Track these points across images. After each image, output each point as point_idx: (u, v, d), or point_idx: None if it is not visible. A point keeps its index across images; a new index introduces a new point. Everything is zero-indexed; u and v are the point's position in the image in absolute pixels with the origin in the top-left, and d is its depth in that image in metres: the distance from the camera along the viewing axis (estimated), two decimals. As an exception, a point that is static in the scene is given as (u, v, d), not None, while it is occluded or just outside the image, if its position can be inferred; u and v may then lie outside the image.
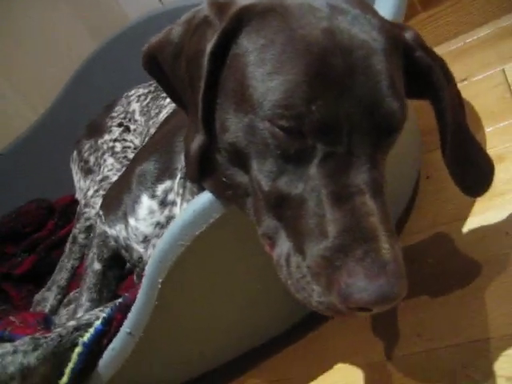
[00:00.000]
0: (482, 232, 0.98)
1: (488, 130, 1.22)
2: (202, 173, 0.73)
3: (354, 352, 0.92)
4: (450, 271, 0.94)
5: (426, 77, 0.70)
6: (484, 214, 1.01)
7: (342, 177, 0.58)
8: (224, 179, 0.70)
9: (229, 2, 0.66)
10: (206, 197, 0.73)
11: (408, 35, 0.69)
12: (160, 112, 1.39)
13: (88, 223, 1.38)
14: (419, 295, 0.92)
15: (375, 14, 0.66)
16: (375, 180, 0.59)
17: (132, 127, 1.54)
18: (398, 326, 0.91)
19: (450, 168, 0.76)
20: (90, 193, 1.41)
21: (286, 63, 0.59)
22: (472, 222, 1.01)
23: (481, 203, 1.04)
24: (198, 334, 0.94)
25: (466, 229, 1.01)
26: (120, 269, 1.18)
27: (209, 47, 0.64)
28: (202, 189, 0.78)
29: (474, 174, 0.78)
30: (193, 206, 0.74)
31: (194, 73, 0.67)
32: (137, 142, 1.50)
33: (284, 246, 0.62)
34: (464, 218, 1.03)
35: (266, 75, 0.60)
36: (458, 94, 0.78)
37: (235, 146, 0.65)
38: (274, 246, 0.65)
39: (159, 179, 0.98)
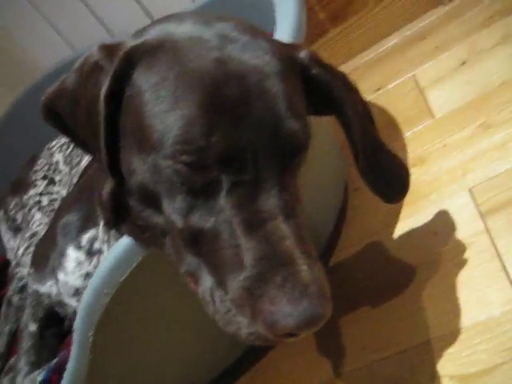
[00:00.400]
0: (412, 235, 1.00)
1: (407, 134, 1.25)
2: (118, 217, 0.71)
3: (304, 375, 0.91)
4: (386, 280, 0.95)
5: (327, 93, 0.70)
6: (411, 217, 1.03)
7: (252, 204, 0.57)
8: (140, 222, 0.68)
9: (117, 43, 0.65)
10: (124, 242, 0.71)
11: (302, 54, 0.69)
12: (81, 160, 1.35)
13: (21, 283, 1.32)
14: (359, 308, 0.93)
15: (266, 38, 0.66)
16: (286, 203, 0.59)
17: (57, 178, 1.50)
18: (342, 341, 0.90)
19: (365, 178, 0.76)
20: (21, 251, 1.36)
21: (180, 98, 0.58)
22: (401, 228, 1.03)
23: (408, 207, 1.06)
24: (141, 374, 0.90)
25: (396, 235, 1.03)
26: (58, 326, 1.12)
27: (102, 92, 0.62)
28: (123, 234, 0.76)
29: (390, 182, 0.79)
30: (112, 253, 0.72)
31: (92, 119, 0.65)
32: (63, 192, 1.45)
33: (207, 281, 0.61)
34: (393, 225, 1.05)
35: (162, 113, 0.59)
36: (363, 104, 0.79)
37: (144, 188, 0.63)
38: (197, 282, 0.63)
39: (83, 229, 0.95)
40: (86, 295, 0.74)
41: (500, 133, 1.04)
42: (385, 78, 1.51)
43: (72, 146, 1.48)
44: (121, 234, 0.77)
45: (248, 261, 0.56)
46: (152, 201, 0.64)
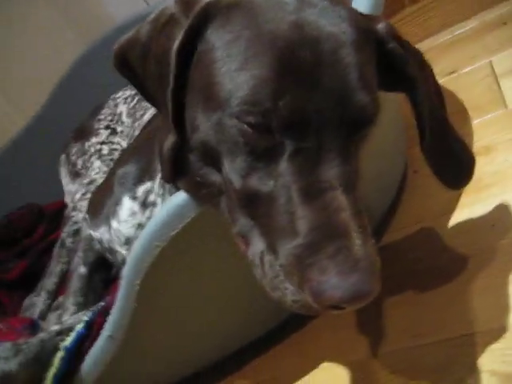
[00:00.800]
0: (468, 225, 0.97)
1: (475, 122, 1.21)
2: (176, 173, 0.72)
3: (340, 350, 0.91)
4: (437, 266, 0.93)
5: (401, 69, 0.68)
6: (470, 207, 1.00)
7: (312, 172, 0.57)
8: (198, 179, 0.68)
9: (195, -1, 0.65)
10: (180, 197, 0.72)
11: (380, 27, 0.67)
12: (145, 113, 1.38)
13: (76, 227, 1.37)
14: (405, 291, 0.91)
15: (345, 6, 0.65)
16: (347, 175, 0.58)
17: (119, 129, 1.53)
18: (383, 322, 0.90)
19: (428, 160, 0.75)
20: (78, 196, 1.40)
21: (252, 59, 0.57)
22: (458, 216, 1.00)
23: (467, 196, 1.03)
24: (181, 336, 0.92)
25: (452, 223, 1.00)
26: (106, 272, 1.16)
27: (175, 45, 0.62)
28: (179, 189, 0.77)
29: (454, 167, 0.77)
30: (167, 206, 0.73)
31: (162, 72, 0.66)
32: (124, 144, 1.48)
33: (258, 244, 0.61)
34: (450, 212, 1.02)
35: (232, 71, 0.58)
36: (436, 85, 0.77)
37: (206, 145, 0.63)
38: (248, 244, 0.63)
39: (140, 181, 0.97)
40: (137, 244, 0.75)
41: None
42: (459, 61, 1.45)
43: (136, 98, 1.51)
44: (177, 189, 0.78)
45: (302, 229, 0.55)
46: (212, 159, 0.64)
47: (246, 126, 0.57)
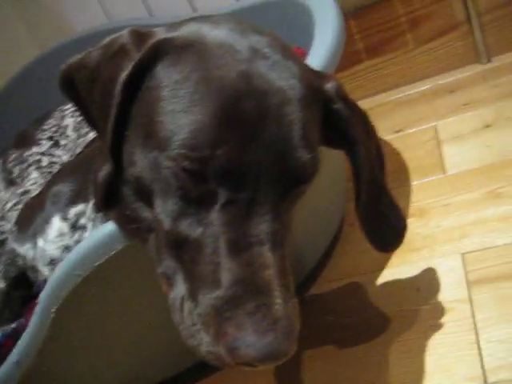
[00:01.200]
0: (395, 286, 0.98)
1: (414, 183, 1.24)
2: (108, 202, 0.70)
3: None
4: (358, 323, 0.94)
5: (344, 129, 0.69)
6: (399, 267, 1.02)
7: (242, 225, 0.56)
8: (128, 212, 0.67)
9: (149, 32, 0.64)
10: (108, 227, 0.70)
11: (330, 86, 0.68)
12: (90, 132, 1.35)
13: (2, 237, 1.31)
14: (325, 345, 0.91)
15: (298, 61, 0.65)
16: (277, 231, 0.58)
17: (62, 142, 1.48)
18: (300, 375, 0.89)
19: (361, 221, 0.76)
20: (9, 206, 1.35)
21: (197, 102, 0.57)
22: (386, 275, 1.02)
23: (397, 256, 1.04)
24: (91, 366, 0.89)
25: (380, 281, 1.01)
26: (27, 289, 1.11)
27: (123, 76, 0.61)
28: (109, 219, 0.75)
29: (385, 230, 0.78)
30: (94, 235, 0.71)
31: (106, 101, 0.64)
32: (65, 158, 1.44)
33: (180, 288, 0.60)
34: (379, 270, 1.03)
35: (176, 113, 0.58)
36: (378, 148, 0.78)
37: (140, 181, 0.62)
38: (171, 287, 0.62)
39: (73, 202, 0.94)
40: (58, 271, 0.73)
41: (508, 205, 1.03)
42: (407, 121, 1.50)
43: (85, 114, 1.47)
44: (107, 219, 0.76)
45: (224, 281, 0.55)
46: (145, 195, 0.63)
47: (181, 170, 0.57)
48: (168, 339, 0.86)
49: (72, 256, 0.71)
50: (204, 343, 0.55)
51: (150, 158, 0.60)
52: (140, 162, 0.61)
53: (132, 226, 0.68)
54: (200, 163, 0.55)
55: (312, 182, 0.62)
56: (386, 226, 0.78)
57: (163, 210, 0.60)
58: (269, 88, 0.59)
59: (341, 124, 0.69)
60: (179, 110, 0.57)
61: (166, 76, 0.60)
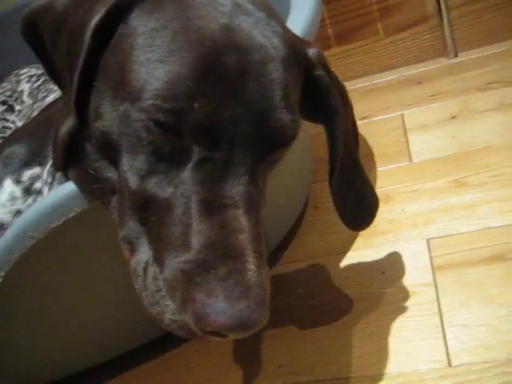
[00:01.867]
0: (359, 268, 0.97)
1: (380, 169, 1.23)
2: (68, 161, 0.65)
3: (212, 378, 0.86)
4: (321, 304, 0.92)
5: (324, 98, 0.67)
6: (363, 250, 1.01)
7: (216, 185, 0.53)
8: (91, 171, 0.62)
9: (126, -24, 0.60)
10: (67, 188, 0.65)
11: (312, 52, 0.65)
12: (47, 96, 1.28)
13: None
14: (286, 325, 0.89)
15: (280, 22, 0.62)
16: (252, 195, 0.54)
17: (17, 108, 1.41)
18: (260, 354, 0.86)
19: (334, 197, 0.73)
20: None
21: (174, 53, 0.53)
22: (350, 258, 1.00)
23: (362, 240, 1.03)
24: (43, 335, 0.83)
25: (343, 263, 1.00)
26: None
27: (94, 21, 0.56)
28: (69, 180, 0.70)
29: (358, 207, 0.76)
30: (51, 196, 0.66)
31: (74, 49, 0.59)
32: (19, 124, 1.37)
33: (144, 253, 0.56)
34: (343, 253, 1.02)
35: (151, 62, 0.53)
36: (353, 123, 0.76)
37: (106, 136, 0.57)
38: (133, 252, 0.58)
39: (27, 164, 0.88)
40: (10, 232, 0.67)
41: (472, 194, 1.03)
42: (374, 109, 1.50)
43: (42, 79, 1.40)
44: (67, 180, 0.71)
45: (195, 244, 0.51)
46: (111, 153, 0.58)
47: (153, 123, 0.52)
48: (127, 310, 0.83)
49: (26, 216, 0.66)
50: (169, 311, 0.52)
51: (120, 111, 0.55)
52: (108, 114, 0.57)
53: (94, 187, 0.63)
54: (175, 116, 0.51)
55: (290, 146, 0.59)
56: (358, 203, 0.76)
57: (130, 167, 0.56)
58: (251, 44, 0.55)
59: (321, 92, 0.66)
60: (154, 60, 0.53)
61: (142, 23, 0.56)
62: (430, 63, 1.66)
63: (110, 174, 0.60)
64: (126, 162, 0.56)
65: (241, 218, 0.52)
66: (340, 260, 1.00)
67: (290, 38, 0.61)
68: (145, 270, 0.55)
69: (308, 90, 0.65)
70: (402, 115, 1.43)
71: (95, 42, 0.57)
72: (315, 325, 0.88)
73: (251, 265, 0.50)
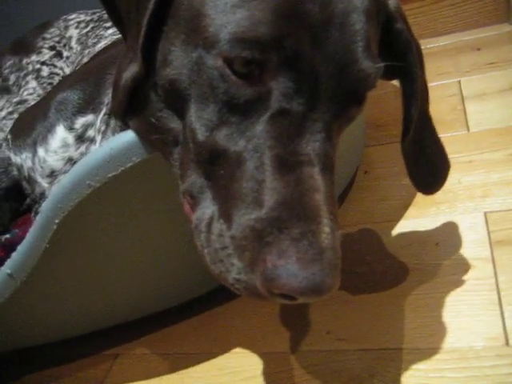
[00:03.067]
0: (412, 238, 0.94)
1: (436, 136, 1.18)
2: (129, 109, 0.63)
3: (257, 338, 0.85)
4: (372, 272, 0.89)
5: (402, 53, 0.63)
6: (416, 219, 0.98)
7: (293, 141, 0.50)
8: (153, 120, 0.59)
9: None
10: (128, 136, 0.63)
11: (392, 3, 0.61)
12: (98, 42, 1.25)
13: (-6, 146, 1.23)
14: (336, 291, 0.87)
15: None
16: (328, 153, 0.51)
17: (65, 54, 1.39)
18: (308, 318, 0.85)
19: (406, 158, 0.70)
20: (3, 114, 1.26)
21: None
22: (403, 226, 0.97)
23: (414, 209, 1.00)
24: (92, 288, 0.83)
25: (395, 232, 0.97)
26: (18, 202, 1.04)
27: None
28: (125, 129, 0.67)
29: (430, 169, 0.73)
30: (111, 143, 0.63)
31: None
32: (67, 70, 1.35)
33: (207, 208, 0.54)
34: (395, 220, 0.99)
35: (228, 7, 0.50)
36: (425, 82, 0.72)
37: (175, 85, 0.55)
38: (195, 206, 0.56)
39: (81, 111, 0.86)
40: (66, 179, 0.66)
41: (534, 168, 0.98)
42: (429, 74, 1.42)
43: (91, 26, 1.38)
44: (122, 129, 0.69)
45: (268, 201, 0.48)
46: (177, 102, 0.56)
47: (230, 71, 0.49)
48: (178, 266, 0.82)
49: (84, 164, 0.64)
50: (234, 269, 0.50)
51: (193, 57, 0.52)
52: (178, 61, 0.54)
53: (155, 137, 0.60)
54: (260, 53, 0.48)
55: (364, 104, 0.55)
56: (430, 165, 0.73)
57: (199, 118, 0.53)
58: (334, -9, 0.51)
59: (400, 47, 0.62)
60: (233, 4, 0.49)
61: (219, -35, 0.52)
62: (491, 29, 1.58)
63: (174, 124, 0.58)
64: (194, 112, 0.54)
65: (316, 177, 0.49)
66: (392, 228, 0.97)
67: (372, -12, 0.57)
68: (208, 225, 0.53)
69: (386, 43, 0.61)
70: (459, 82, 1.37)
71: None
72: (366, 292, 0.86)
73: (326, 226, 0.48)
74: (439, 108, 1.28)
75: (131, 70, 0.59)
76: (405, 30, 0.62)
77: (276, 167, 0.49)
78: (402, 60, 0.63)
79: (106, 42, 1.21)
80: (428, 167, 0.72)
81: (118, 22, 0.67)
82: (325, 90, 0.50)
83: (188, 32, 0.53)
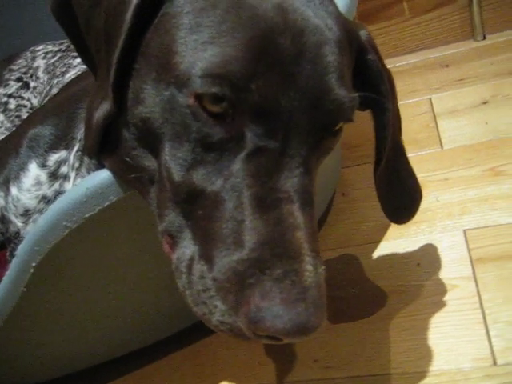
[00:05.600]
0: (393, 259, 0.94)
1: (410, 155, 1.17)
2: (102, 148, 0.62)
3: (244, 370, 0.84)
4: (354, 296, 0.89)
5: (374, 84, 0.63)
6: (396, 240, 0.98)
7: (270, 178, 0.49)
8: (128, 159, 0.58)
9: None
10: (104, 175, 0.62)
11: (362, 34, 0.62)
12: (67, 72, 1.23)
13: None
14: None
15: (332, 1, 0.58)
16: (307, 188, 0.51)
17: (32, 84, 1.37)
18: (293, 347, 0.84)
19: (378, 188, 0.70)
20: (-28, 150, 1.23)
21: (225, 33, 0.49)
22: (383, 248, 0.97)
23: (394, 229, 1.00)
24: (71, 329, 0.81)
25: (376, 254, 0.96)
26: (-8, 242, 1.02)
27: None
28: (100, 166, 0.66)
29: (402, 199, 0.73)
30: (87, 182, 0.62)
31: (112, 28, 0.55)
32: (35, 101, 1.33)
33: (187, 248, 0.52)
34: (375, 242, 0.99)
35: (199, 44, 0.49)
36: (398, 111, 0.72)
37: (148, 123, 0.54)
38: (174, 246, 0.54)
39: (53, 147, 0.85)
40: (42, 221, 0.64)
41: (510, 184, 0.99)
42: (400, 92, 1.43)
43: (58, 56, 1.36)
44: (98, 167, 0.68)
45: (249, 242, 0.47)
46: (151, 141, 0.55)
47: (201, 109, 0.49)
48: (159, 302, 0.80)
49: (60, 204, 0.62)
50: (218, 311, 0.48)
51: (165, 96, 0.51)
52: (150, 99, 0.53)
53: (131, 176, 0.59)
54: (231, 91, 0.47)
55: (341, 135, 0.55)
56: (402, 195, 0.73)
57: (174, 157, 0.52)
58: (306, 25, 0.51)
59: (372, 77, 0.62)
60: (204, 41, 0.49)
61: (189, 2, 0.52)
62: (457, 45, 1.61)
63: (149, 163, 0.56)
64: (168, 151, 0.53)
65: (296, 214, 0.49)
66: (372, 250, 0.97)
67: (343, 19, 0.57)
68: (189, 266, 0.52)
69: (358, 74, 0.61)
70: (430, 99, 1.39)
71: (136, 21, 0.53)
72: (350, 318, 0.85)
73: (308, 264, 0.47)
74: (411, 126, 1.29)
75: (103, 109, 0.58)
76: (376, 61, 0.62)
77: (255, 206, 0.48)
78: (374, 90, 0.63)
79: (74, 71, 1.20)
80: (401, 197, 0.72)
81: (88, 60, 0.66)
82: (300, 124, 0.50)
83: (159, 70, 0.52)
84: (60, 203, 0.63)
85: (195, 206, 0.52)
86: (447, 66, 1.54)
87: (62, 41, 1.41)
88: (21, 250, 0.65)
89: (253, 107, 0.48)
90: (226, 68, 0.47)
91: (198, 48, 0.49)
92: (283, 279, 0.46)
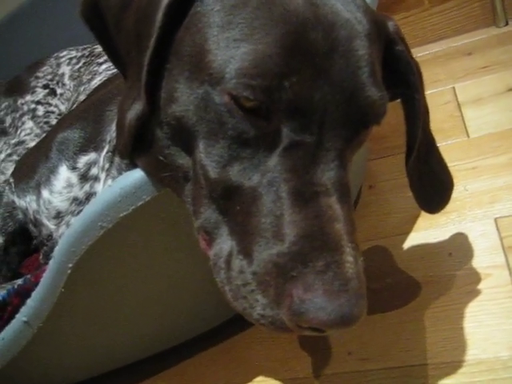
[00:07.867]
0: (424, 250, 0.93)
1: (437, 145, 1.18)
2: (134, 147, 0.63)
3: (279, 365, 0.84)
4: (387, 288, 0.88)
5: (403, 75, 0.63)
6: (426, 231, 0.97)
7: (307, 172, 0.50)
8: (161, 158, 0.59)
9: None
10: (137, 175, 0.62)
11: (391, 26, 0.61)
12: (93, 79, 1.25)
13: (-4, 190, 1.22)
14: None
15: (361, -5, 0.58)
16: (343, 181, 0.51)
17: (59, 91, 1.39)
18: (327, 341, 0.84)
19: (410, 179, 0.70)
20: (2, 156, 1.26)
21: (257, 30, 0.49)
22: (413, 239, 0.97)
23: (424, 220, 0.99)
24: (108, 328, 0.82)
25: (406, 245, 0.96)
26: (25, 245, 1.03)
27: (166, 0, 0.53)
28: (131, 166, 0.67)
29: (434, 189, 0.73)
30: (120, 183, 0.63)
31: (143, 28, 0.56)
32: (62, 107, 1.35)
33: (225, 244, 0.53)
34: (405, 233, 0.98)
35: (231, 41, 0.50)
36: (426, 103, 0.72)
37: (182, 122, 0.54)
38: (211, 242, 0.55)
39: (83, 150, 0.86)
40: (77, 222, 0.65)
41: (540, 170, 0.98)
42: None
43: (83, 61, 1.38)
44: (129, 167, 0.69)
45: (289, 235, 0.48)
46: (185, 139, 0.55)
47: (237, 106, 0.49)
48: (193, 300, 0.81)
49: (94, 205, 0.63)
50: (258, 305, 0.49)
51: (199, 94, 0.52)
52: (184, 98, 0.54)
53: (165, 175, 0.60)
54: (264, 94, 0.48)
55: (379, 123, 0.55)
56: (434, 184, 0.72)
57: (209, 154, 0.53)
58: (337, 19, 0.52)
59: (401, 69, 0.62)
60: (236, 39, 0.50)
61: (220, 0, 0.52)
62: (479, 33, 1.59)
63: (183, 161, 0.57)
64: (203, 148, 0.53)
65: (335, 206, 0.49)
66: (403, 241, 0.97)
67: (371, 11, 0.57)
68: (227, 262, 0.52)
69: (387, 65, 0.61)
70: (454, 88, 1.37)
71: (167, 21, 0.54)
72: (383, 309, 0.85)
73: (349, 256, 0.47)
74: (436, 116, 1.28)
75: (135, 109, 0.59)
76: (405, 52, 0.62)
77: (293, 200, 0.49)
78: (403, 81, 0.63)
79: (100, 77, 1.22)
80: (433, 187, 0.72)
81: (118, 62, 0.67)
82: (334, 118, 0.50)
83: (192, 68, 0.53)
84: (94, 204, 0.64)
85: (232, 202, 0.52)
86: (470, 54, 1.52)
87: (85, 46, 1.42)
88: (57, 251, 0.66)
89: (287, 103, 0.48)
90: (260, 67, 0.47)
91: (231, 46, 0.50)
92: (325, 271, 0.46)
